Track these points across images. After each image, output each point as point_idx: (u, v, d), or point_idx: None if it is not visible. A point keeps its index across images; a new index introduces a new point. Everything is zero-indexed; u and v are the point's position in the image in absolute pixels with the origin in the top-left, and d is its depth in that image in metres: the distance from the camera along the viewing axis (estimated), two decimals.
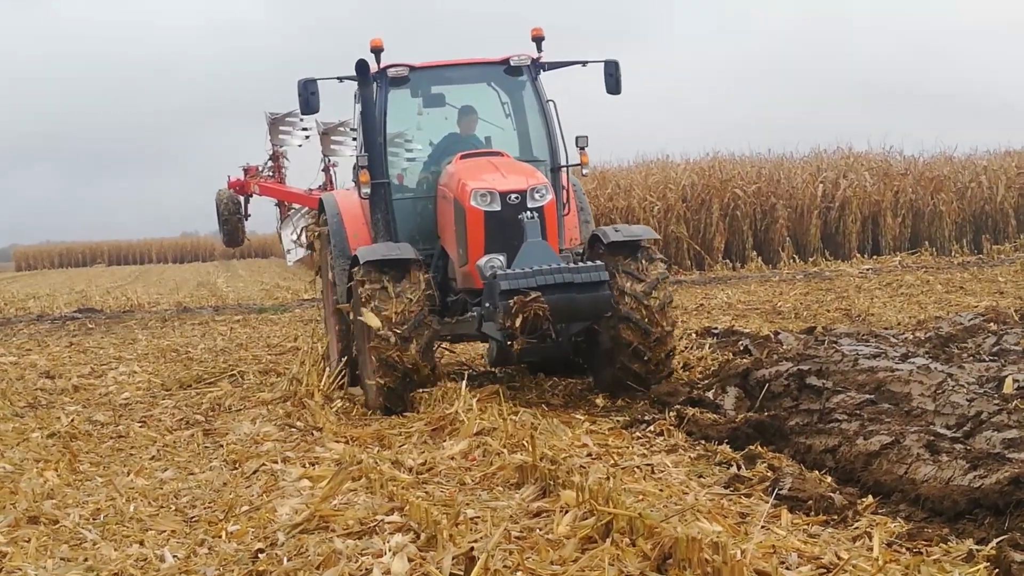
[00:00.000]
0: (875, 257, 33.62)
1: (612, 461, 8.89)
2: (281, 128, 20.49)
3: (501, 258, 11.23)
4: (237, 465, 9.68)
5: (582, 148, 12.37)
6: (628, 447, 9.41)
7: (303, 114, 12.41)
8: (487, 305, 10.88)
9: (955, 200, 35.40)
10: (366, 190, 12.14)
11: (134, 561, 6.93)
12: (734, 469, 8.43)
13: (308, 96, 12.20)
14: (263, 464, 9.49)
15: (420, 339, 11.15)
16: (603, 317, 11.14)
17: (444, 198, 11.99)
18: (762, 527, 6.56)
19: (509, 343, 10.71)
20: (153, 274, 60.93)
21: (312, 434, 10.70)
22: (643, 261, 11.55)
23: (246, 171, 20.52)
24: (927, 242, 34.51)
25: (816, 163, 36.04)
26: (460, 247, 11.59)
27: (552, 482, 7.78)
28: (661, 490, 7.91)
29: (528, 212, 11.24)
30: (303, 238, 16.97)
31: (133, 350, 19.69)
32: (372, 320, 11.11)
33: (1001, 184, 35.91)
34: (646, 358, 11.30)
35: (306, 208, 19.91)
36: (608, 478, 7.98)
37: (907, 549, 6.37)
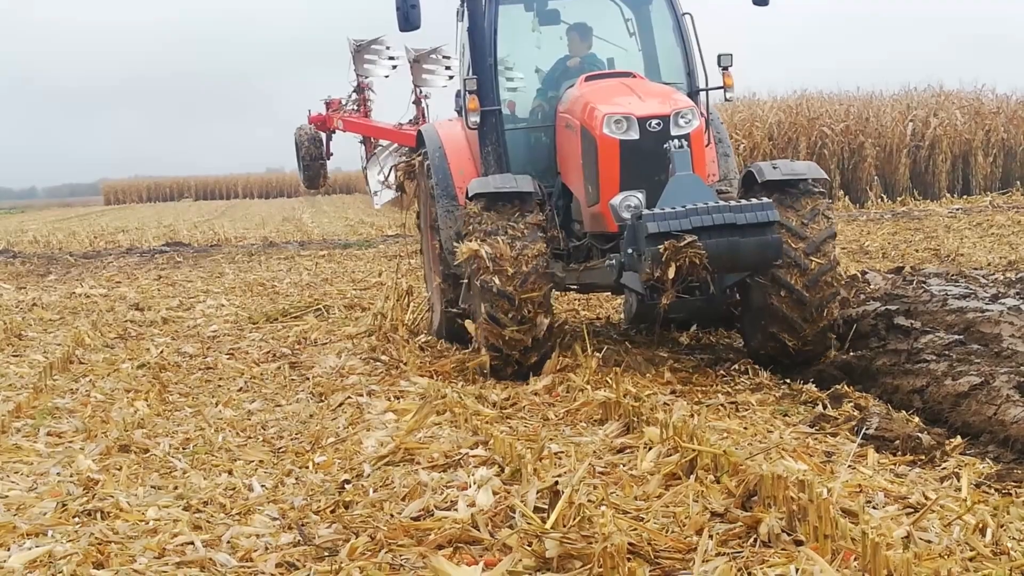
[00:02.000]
0: (965, 197, 33.12)
1: (696, 399, 8.87)
2: (366, 56, 18.65)
3: (640, 196, 9.63)
4: (323, 398, 9.77)
5: (725, 68, 10.65)
6: (712, 385, 9.38)
7: (402, 30, 10.67)
8: (629, 251, 9.21)
9: None
10: (475, 118, 10.60)
11: (223, 490, 7.02)
12: (819, 408, 8.38)
13: (408, 9, 10.56)
14: (348, 397, 9.57)
15: (539, 285, 9.68)
16: (771, 265, 9.37)
17: (567, 127, 10.43)
18: (848, 466, 6.51)
19: (654, 297, 9.14)
20: (239, 209, 61.47)
21: (397, 368, 10.76)
22: (805, 211, 9.70)
23: (328, 105, 18.74)
24: (1019, 182, 33.91)
25: (906, 101, 35.48)
26: (589, 183, 10.00)
27: (636, 419, 7.78)
28: (745, 428, 7.89)
29: (675, 140, 9.58)
30: (391, 178, 16.10)
31: (220, 284, 19.90)
32: (483, 258, 9.66)
33: None
34: (800, 331, 9.62)
35: (395, 145, 18.22)
36: (692, 415, 7.97)
37: (995, 490, 6.30)
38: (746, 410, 8.47)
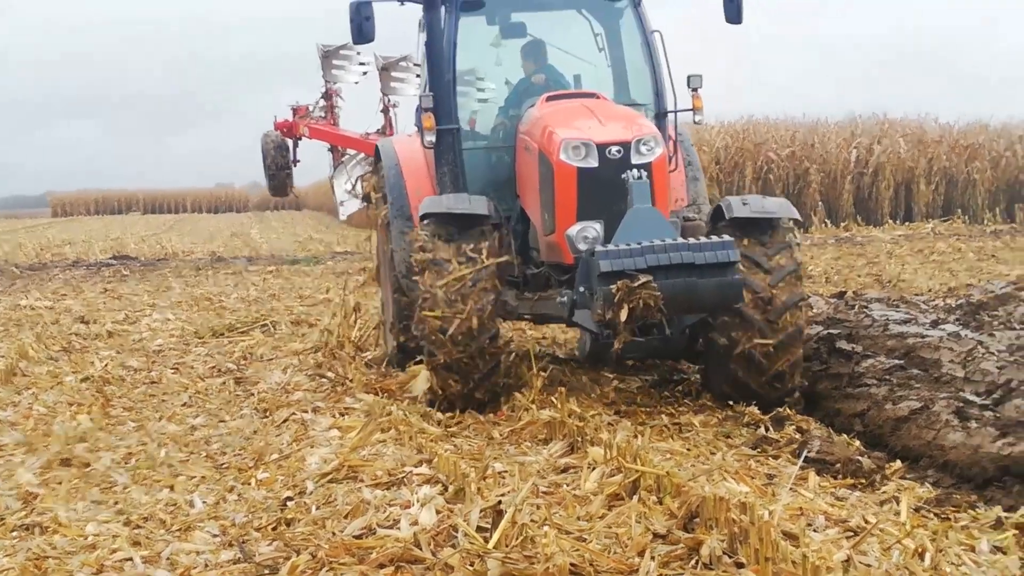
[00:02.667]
0: (907, 224, 33.40)
1: (640, 420, 8.86)
2: (335, 63, 17.89)
3: (597, 227, 8.91)
4: (267, 414, 9.70)
5: (695, 89, 9.91)
6: (656, 406, 9.38)
7: (355, 43, 10.15)
8: (581, 289, 8.61)
9: (989, 168, 35.05)
10: (430, 137, 9.99)
11: (164, 505, 6.95)
12: (762, 431, 8.38)
13: (361, 21, 9.93)
14: (293, 413, 9.50)
15: (483, 307, 8.98)
16: (731, 308, 8.73)
17: (526, 149, 9.74)
18: (789, 489, 6.51)
19: (608, 336, 8.58)
20: (187, 223, 61.08)
21: (342, 385, 10.70)
22: (773, 246, 9.13)
23: (295, 111, 17.99)
24: (960, 210, 34.23)
25: (851, 128, 35.74)
26: (545, 211, 9.30)
27: (580, 439, 7.77)
28: (688, 450, 7.89)
29: (634, 170, 8.88)
30: (358, 188, 15.65)
31: (167, 298, 19.75)
32: (430, 292, 9.01)
33: None
34: (763, 369, 8.97)
35: (362, 155, 17.63)
36: (636, 436, 7.97)
37: (935, 515, 6.33)
38: (689, 431, 8.47)
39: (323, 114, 17.77)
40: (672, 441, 8.12)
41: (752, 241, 9.08)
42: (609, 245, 8.32)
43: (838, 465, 7.26)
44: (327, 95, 17.67)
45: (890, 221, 33.57)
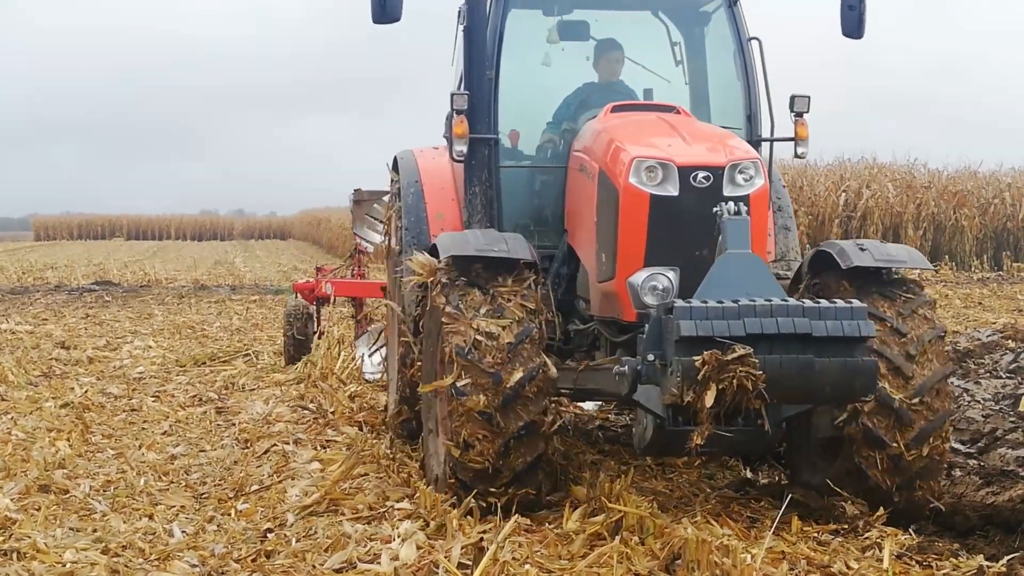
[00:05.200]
0: None
1: (623, 459, 8.88)
2: (368, 215, 14.37)
3: (670, 276, 6.98)
4: (248, 444, 9.69)
5: (799, 114, 8.17)
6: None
7: (376, 22, 8.06)
8: (650, 358, 6.44)
9: (977, 216, 35.26)
10: (461, 147, 8.00)
11: (143, 534, 6.93)
12: (745, 472, 8.40)
13: None
14: (274, 444, 9.49)
15: (534, 403, 6.84)
16: (858, 400, 6.68)
17: (581, 170, 7.88)
18: (772, 533, 6.53)
19: (679, 422, 6.51)
20: (171, 250, 61.03)
21: (324, 417, 10.69)
22: (905, 305, 7.15)
23: (319, 270, 15.42)
24: (947, 256, 34.40)
25: (839, 172, 35.94)
26: (603, 250, 7.39)
27: (563, 477, 7.77)
28: (671, 491, 7.90)
29: (730, 203, 6.86)
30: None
31: (149, 325, 19.73)
32: (456, 359, 6.85)
33: None
34: (902, 466, 6.89)
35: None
36: (619, 476, 7.98)
37: (917, 562, 6.35)
38: (672, 472, 8.49)
39: (349, 272, 14.98)
40: (655, 482, 8.13)
41: (878, 298, 7.14)
42: (692, 300, 6.28)
43: (821, 510, 7.28)
44: (355, 252, 14.77)
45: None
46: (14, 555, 6.42)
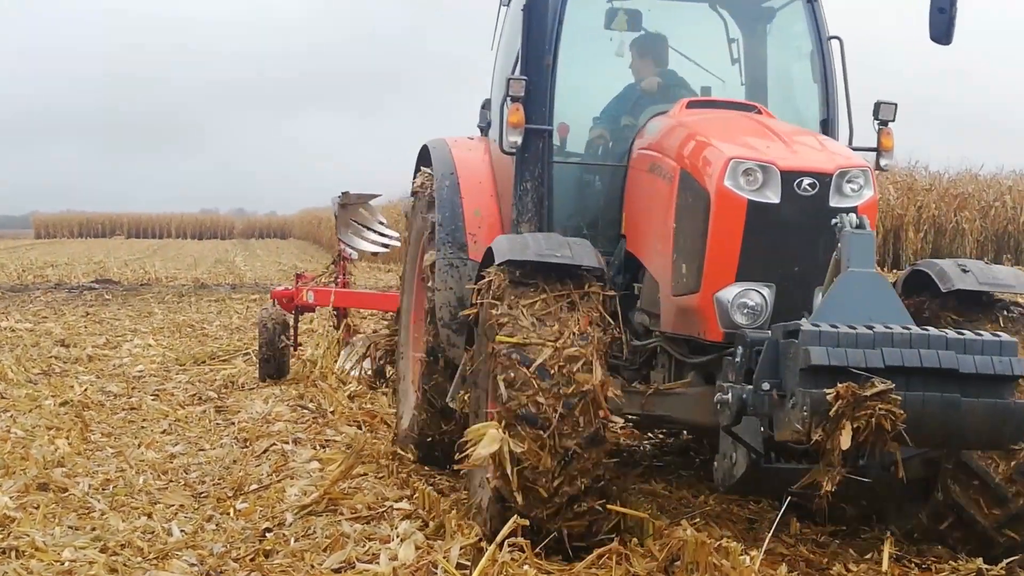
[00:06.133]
0: (895, 271, 33.56)
1: (622, 461, 8.87)
2: (353, 220, 13.86)
3: (765, 293, 6.35)
4: (247, 443, 9.69)
5: (884, 123, 7.47)
6: (639, 447, 9.40)
7: None
8: (765, 386, 5.70)
9: (978, 218, 35.28)
10: (515, 137, 7.25)
11: (141, 533, 6.93)
12: None
13: None
14: (274, 444, 9.49)
15: (589, 421, 6.08)
16: (1005, 448, 5.95)
17: (652, 170, 7.10)
18: (771, 534, 6.53)
19: (778, 459, 6.12)
20: (172, 249, 61.04)
21: (324, 416, 10.69)
22: (1018, 333, 6.21)
23: (299, 277, 14.14)
24: (948, 258, 34.41)
25: None
26: (684, 261, 6.61)
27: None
28: (670, 492, 7.90)
29: (851, 215, 6.10)
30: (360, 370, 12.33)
31: (149, 323, 19.73)
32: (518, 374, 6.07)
33: None
34: (1005, 502, 6.26)
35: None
36: (618, 477, 7.96)
37: (916, 564, 6.35)
38: (671, 474, 8.49)
39: (332, 280, 14.13)
40: (654, 483, 8.13)
41: (983, 324, 6.40)
42: (821, 324, 5.54)
43: (820, 512, 7.26)
44: (339, 259, 14.02)
45: (878, 268, 33.70)
46: (13, 553, 6.42)
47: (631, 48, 8.12)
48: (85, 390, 12.15)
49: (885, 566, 6.20)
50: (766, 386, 5.69)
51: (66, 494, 7.86)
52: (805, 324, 5.53)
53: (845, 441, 5.24)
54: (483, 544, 6.03)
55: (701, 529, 6.59)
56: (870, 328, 5.46)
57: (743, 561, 5.55)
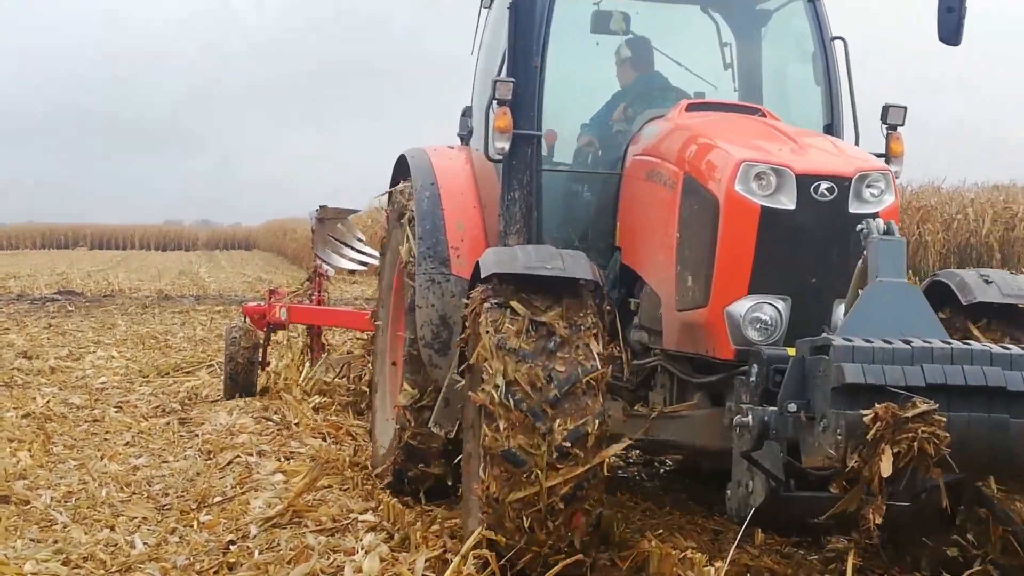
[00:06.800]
0: None
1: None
2: (331, 236, 13.46)
3: (780, 306, 5.87)
4: (211, 455, 9.64)
5: (893, 127, 7.12)
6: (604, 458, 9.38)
7: None
8: (792, 407, 5.10)
9: (941, 231, 35.55)
10: (503, 143, 6.81)
11: (104, 546, 6.90)
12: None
13: None
14: (238, 456, 9.45)
15: (588, 447, 5.66)
16: None
17: (651, 176, 6.67)
18: (736, 546, 6.55)
19: (797, 486, 5.51)
20: (135, 260, 60.72)
21: (288, 428, 10.66)
22: None
23: (272, 293, 13.39)
24: (911, 271, 34.62)
25: None
26: (690, 273, 6.15)
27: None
28: (635, 503, 7.91)
29: (878, 221, 5.60)
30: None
31: (112, 335, 19.62)
32: (496, 404, 5.63)
33: (987, 217, 36.08)
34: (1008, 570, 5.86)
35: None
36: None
37: (878, 574, 6.38)
38: (636, 484, 8.51)
39: (307, 298, 13.50)
40: (620, 495, 8.14)
41: (1007, 339, 6.01)
42: (854, 339, 4.96)
43: (785, 522, 7.28)
44: (315, 275, 13.52)
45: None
46: None
47: (615, 53, 7.83)
48: (47, 402, 12.08)
49: (849, 574, 6.23)
50: (792, 407, 5.12)
51: (28, 507, 7.81)
52: (836, 339, 4.96)
53: (886, 467, 4.66)
54: (448, 556, 6.02)
55: (666, 540, 6.63)
56: (907, 343, 4.92)
57: (708, 572, 5.58)
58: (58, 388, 13.40)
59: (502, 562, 5.71)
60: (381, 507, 7.44)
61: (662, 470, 8.96)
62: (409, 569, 6.11)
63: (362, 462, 8.84)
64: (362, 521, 7.27)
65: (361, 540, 6.77)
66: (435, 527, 7.03)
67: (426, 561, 6.21)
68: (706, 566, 5.67)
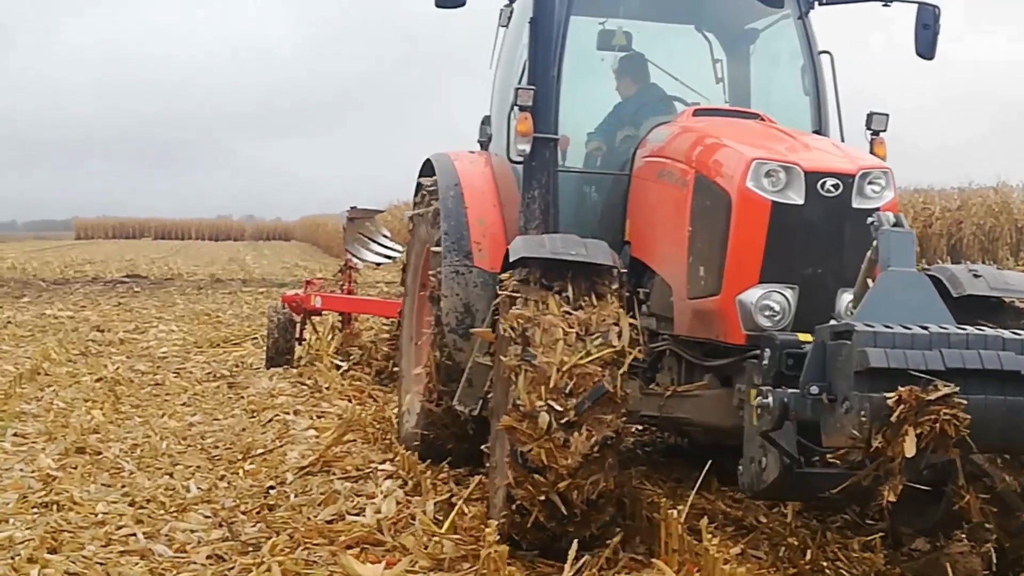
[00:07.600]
0: None
1: None
2: (360, 233, 13.16)
3: (788, 295, 5.51)
4: (255, 414, 9.64)
5: (876, 133, 6.77)
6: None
7: (439, 6, 6.67)
8: (814, 390, 4.62)
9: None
10: (524, 146, 6.47)
11: (164, 490, 6.90)
12: (673, 439, 8.41)
13: None
14: (277, 415, 9.44)
15: (600, 421, 5.26)
16: None
17: (662, 175, 6.28)
18: (695, 492, 6.55)
19: (812, 462, 5.04)
20: (192, 249, 60.62)
21: (319, 392, 10.65)
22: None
23: (308, 283, 13.20)
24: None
25: None
26: (701, 264, 5.78)
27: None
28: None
29: (888, 215, 5.06)
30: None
31: (172, 312, 19.60)
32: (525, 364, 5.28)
33: (907, 218, 35.96)
34: (1012, 511, 5.20)
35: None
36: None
37: (815, 518, 6.38)
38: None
39: (338, 288, 13.19)
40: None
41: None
42: (876, 325, 4.49)
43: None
44: (345, 268, 13.20)
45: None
46: (54, 507, 6.38)
47: (613, 70, 7.50)
48: (117, 368, 12.07)
49: (790, 517, 6.24)
50: (814, 390, 4.63)
51: (100, 456, 7.81)
52: (859, 325, 4.48)
53: (910, 448, 4.22)
54: (454, 500, 6.03)
55: (636, 488, 6.62)
56: (925, 328, 4.47)
57: (672, 514, 5.57)
58: (126, 356, 13.39)
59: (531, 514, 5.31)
60: (397, 458, 7.44)
61: (633, 428, 8.95)
62: (421, 511, 6.12)
63: (381, 421, 8.84)
64: (381, 470, 7.27)
65: (380, 486, 6.78)
66: (443, 475, 7.04)
67: (435, 504, 6.22)
68: (670, 509, 5.67)
